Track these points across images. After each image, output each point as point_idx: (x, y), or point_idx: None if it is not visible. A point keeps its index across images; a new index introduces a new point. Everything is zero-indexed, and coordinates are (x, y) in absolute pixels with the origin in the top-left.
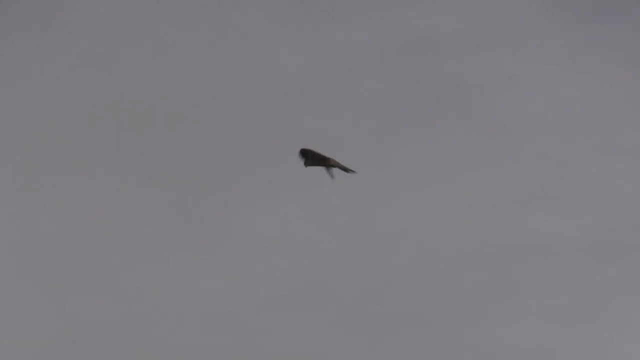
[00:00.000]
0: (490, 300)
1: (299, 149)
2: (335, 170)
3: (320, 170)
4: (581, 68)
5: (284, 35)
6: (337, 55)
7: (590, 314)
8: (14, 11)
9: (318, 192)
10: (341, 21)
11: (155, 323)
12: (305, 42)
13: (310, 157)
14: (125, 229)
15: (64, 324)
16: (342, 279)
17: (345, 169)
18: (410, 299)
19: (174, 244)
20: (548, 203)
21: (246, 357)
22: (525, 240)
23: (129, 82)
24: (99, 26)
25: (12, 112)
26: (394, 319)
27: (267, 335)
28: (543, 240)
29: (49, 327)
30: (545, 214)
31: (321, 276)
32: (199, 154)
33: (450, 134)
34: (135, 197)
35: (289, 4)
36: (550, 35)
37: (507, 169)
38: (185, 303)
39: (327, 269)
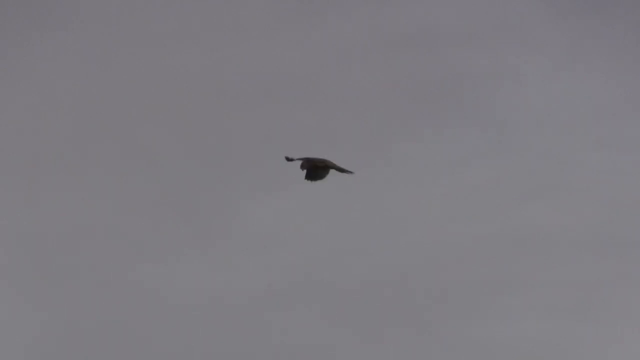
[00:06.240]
0: (490, 295)
1: (300, 165)
2: (332, 171)
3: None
4: (580, 62)
5: (282, 30)
6: (334, 49)
7: (591, 308)
8: (13, 11)
9: (316, 186)
10: (337, 14)
11: (153, 317)
12: (302, 36)
13: (310, 168)
14: (123, 225)
15: (65, 322)
16: (340, 273)
17: (343, 171)
18: (408, 293)
19: (171, 239)
20: (548, 197)
21: (245, 350)
22: (525, 235)
23: (126, 79)
24: (97, 25)
25: (12, 111)
26: (392, 313)
27: (265, 328)
28: (544, 234)
29: (50, 325)
30: (545, 208)
31: (320, 270)
32: (196, 150)
33: (449, 127)
34: (133, 193)
35: None
36: (548, 29)
37: (506, 163)
38: (184, 297)
39: (325, 263)
